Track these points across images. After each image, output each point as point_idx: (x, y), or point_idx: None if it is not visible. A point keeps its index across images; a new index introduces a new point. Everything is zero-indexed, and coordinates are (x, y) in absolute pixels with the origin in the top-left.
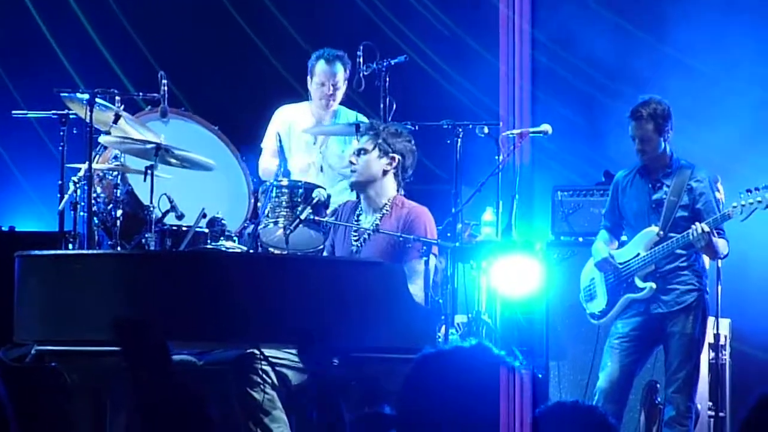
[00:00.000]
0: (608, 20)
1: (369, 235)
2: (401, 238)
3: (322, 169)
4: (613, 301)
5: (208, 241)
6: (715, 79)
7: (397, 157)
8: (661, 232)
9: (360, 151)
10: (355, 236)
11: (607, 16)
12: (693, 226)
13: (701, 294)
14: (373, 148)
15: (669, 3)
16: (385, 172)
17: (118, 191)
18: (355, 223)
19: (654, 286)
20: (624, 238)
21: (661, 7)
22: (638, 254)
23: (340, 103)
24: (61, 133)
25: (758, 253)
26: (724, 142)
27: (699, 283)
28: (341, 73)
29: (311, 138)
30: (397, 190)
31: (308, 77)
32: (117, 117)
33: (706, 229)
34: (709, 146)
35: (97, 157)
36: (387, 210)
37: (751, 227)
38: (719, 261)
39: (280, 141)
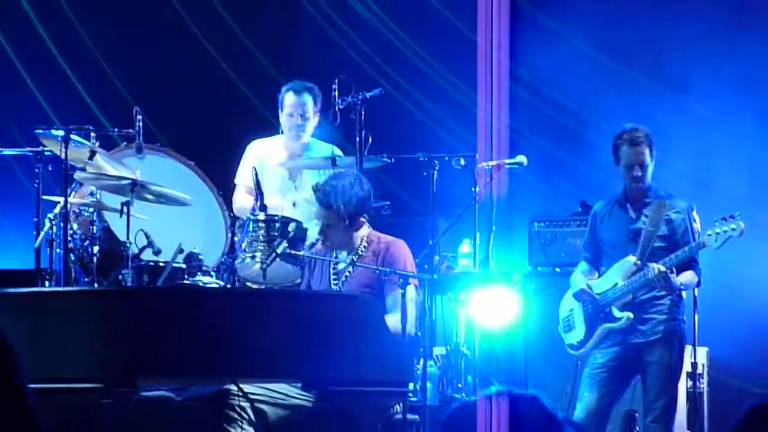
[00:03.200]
0: (585, 53)
1: (347, 275)
2: (378, 272)
3: (295, 205)
4: (590, 331)
5: (186, 277)
6: (688, 108)
7: (363, 219)
8: (639, 262)
9: (326, 227)
10: (335, 277)
11: (584, 48)
12: (649, 266)
13: (678, 323)
14: (337, 223)
15: (646, 36)
16: (355, 232)
17: (95, 228)
18: (333, 263)
19: (631, 315)
20: (603, 268)
21: (638, 40)
22: (616, 284)
23: (313, 136)
24: (37, 170)
25: (735, 281)
26: (694, 170)
27: (676, 312)
28: (310, 104)
29: (285, 173)
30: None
31: (279, 110)
32: (92, 153)
33: (662, 269)
34: (680, 174)
35: (73, 193)
36: (363, 249)
37: (727, 256)
38: (695, 290)
39: (256, 175)
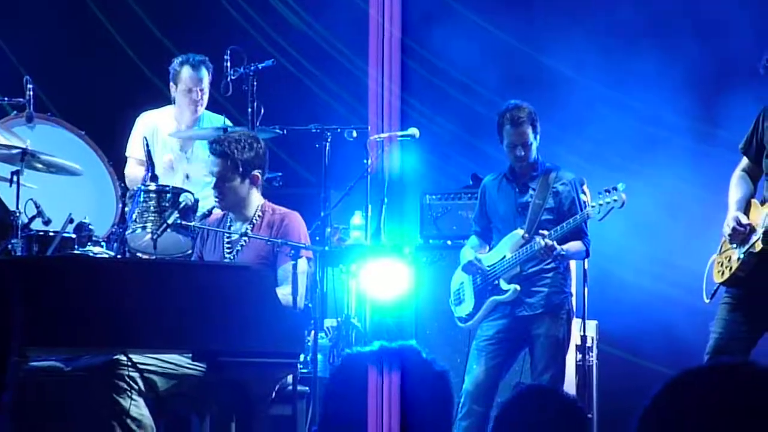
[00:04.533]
0: (479, 27)
1: (242, 246)
2: (269, 243)
3: (188, 177)
4: (479, 304)
5: (76, 247)
6: (582, 86)
7: (257, 174)
8: (527, 235)
9: (220, 180)
10: (228, 248)
11: (478, 22)
12: (536, 238)
13: (566, 296)
14: (233, 174)
15: (541, 15)
16: (249, 189)
17: None
18: (226, 233)
19: (518, 288)
20: (494, 242)
21: (529, 15)
22: (504, 257)
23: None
24: None
25: (623, 255)
26: (587, 145)
27: (563, 285)
28: (206, 78)
29: (177, 143)
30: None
31: (171, 83)
32: None
33: (548, 242)
34: (572, 149)
35: None
36: (257, 219)
37: (614, 230)
38: (585, 262)
39: (147, 145)
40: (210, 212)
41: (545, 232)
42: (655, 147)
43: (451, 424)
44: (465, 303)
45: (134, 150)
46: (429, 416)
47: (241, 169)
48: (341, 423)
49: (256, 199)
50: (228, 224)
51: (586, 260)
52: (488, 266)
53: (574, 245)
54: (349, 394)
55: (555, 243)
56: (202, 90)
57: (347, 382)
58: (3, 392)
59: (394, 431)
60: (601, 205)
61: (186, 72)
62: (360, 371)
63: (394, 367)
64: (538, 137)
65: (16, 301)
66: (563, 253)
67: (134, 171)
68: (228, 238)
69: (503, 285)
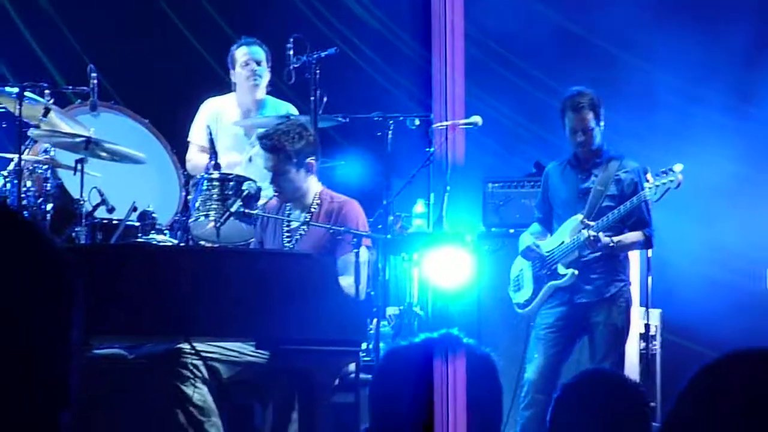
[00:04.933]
0: (541, 14)
1: (301, 234)
2: (332, 231)
3: (251, 160)
4: (537, 289)
5: (139, 235)
6: (644, 71)
7: (311, 161)
8: (585, 220)
9: (276, 174)
10: (288, 236)
11: (539, 9)
12: (582, 231)
13: (624, 284)
14: (287, 166)
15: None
16: (305, 178)
17: (48, 185)
18: (286, 222)
19: (576, 272)
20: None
21: (594, 3)
22: (563, 242)
23: (268, 95)
24: None
25: (687, 244)
26: (648, 131)
27: (622, 273)
28: (263, 55)
29: (240, 130)
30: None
31: (231, 69)
32: (47, 110)
33: (592, 234)
34: (635, 136)
35: (27, 150)
36: (316, 207)
37: (680, 219)
38: (649, 252)
39: (210, 133)
40: (271, 200)
41: (591, 224)
42: (699, 126)
43: (500, 408)
44: (524, 289)
45: (196, 136)
46: (477, 401)
47: (294, 159)
48: (389, 422)
49: (314, 187)
50: (287, 212)
51: (649, 249)
52: (547, 251)
53: (631, 236)
54: (395, 390)
55: (600, 235)
56: (258, 63)
57: (391, 378)
58: (67, 392)
59: (460, 421)
60: (657, 186)
61: (241, 50)
62: (403, 366)
63: (438, 356)
64: (601, 124)
65: (80, 290)
66: (612, 244)
67: (195, 157)
68: (287, 226)
69: (561, 270)
